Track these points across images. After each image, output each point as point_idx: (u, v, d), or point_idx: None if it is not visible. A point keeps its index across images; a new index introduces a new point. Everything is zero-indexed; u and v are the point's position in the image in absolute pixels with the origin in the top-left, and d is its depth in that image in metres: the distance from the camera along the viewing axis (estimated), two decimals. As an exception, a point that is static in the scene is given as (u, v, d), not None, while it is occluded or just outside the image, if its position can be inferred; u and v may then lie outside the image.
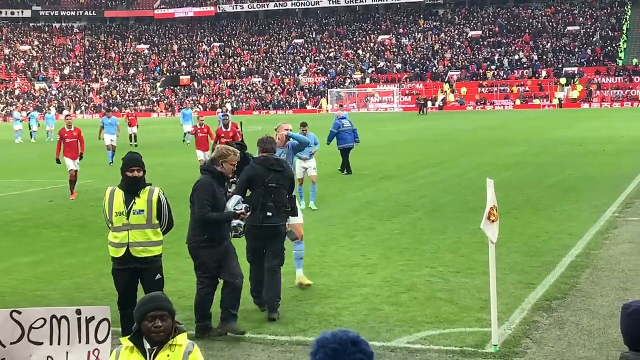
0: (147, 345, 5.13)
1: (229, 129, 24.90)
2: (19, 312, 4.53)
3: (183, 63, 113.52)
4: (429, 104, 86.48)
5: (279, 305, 10.46)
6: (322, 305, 11.12)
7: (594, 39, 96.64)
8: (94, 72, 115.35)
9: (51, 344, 4.57)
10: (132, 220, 9.04)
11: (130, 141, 42.46)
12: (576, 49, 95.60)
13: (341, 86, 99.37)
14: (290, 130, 12.70)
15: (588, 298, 10.97)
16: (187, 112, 46.80)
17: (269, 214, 10.48)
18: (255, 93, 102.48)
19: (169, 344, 5.10)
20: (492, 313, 8.92)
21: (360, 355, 2.89)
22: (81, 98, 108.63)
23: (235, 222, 9.82)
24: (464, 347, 9.16)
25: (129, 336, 5.23)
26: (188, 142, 41.61)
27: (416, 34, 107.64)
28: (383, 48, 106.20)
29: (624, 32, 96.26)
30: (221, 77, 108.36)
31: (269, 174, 10.54)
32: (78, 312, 4.55)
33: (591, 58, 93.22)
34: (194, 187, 9.72)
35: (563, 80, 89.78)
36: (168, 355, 5.07)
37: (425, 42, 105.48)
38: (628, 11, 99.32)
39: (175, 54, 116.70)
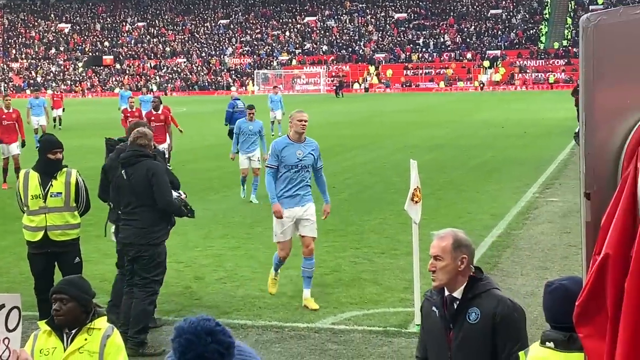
0: (65, 329, 5.04)
1: (159, 112, 22.49)
2: None
3: (106, 43, 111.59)
4: (356, 86, 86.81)
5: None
6: (247, 287, 11.09)
7: (516, 23, 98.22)
8: (14, 51, 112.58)
9: (-39, 331, 4.41)
10: (50, 203, 8.82)
11: (55, 123, 41.03)
12: (499, 32, 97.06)
13: (268, 68, 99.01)
14: (306, 121, 10.24)
15: (509, 277, 11.17)
16: (126, 94, 41.22)
17: None
18: (181, 74, 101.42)
19: (87, 327, 5.01)
20: (415, 293, 9.00)
21: (215, 345, 2.80)
22: (0, 78, 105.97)
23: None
24: (388, 327, 9.24)
25: (46, 320, 5.14)
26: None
27: (342, 15, 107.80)
28: (309, 30, 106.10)
29: (546, 16, 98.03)
30: (145, 58, 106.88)
31: None
32: (-13, 300, 4.40)
33: (514, 41, 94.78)
34: (149, 173, 8.63)
35: (486, 63, 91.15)
36: (86, 339, 4.98)
37: (352, 24, 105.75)
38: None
39: (98, 34, 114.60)
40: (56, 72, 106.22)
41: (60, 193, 8.84)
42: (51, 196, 8.81)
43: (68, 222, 8.93)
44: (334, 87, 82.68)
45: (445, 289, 4.74)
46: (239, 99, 26.55)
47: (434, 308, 4.79)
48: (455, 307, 4.70)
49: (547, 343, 4.18)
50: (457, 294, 4.70)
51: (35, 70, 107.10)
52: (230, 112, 25.62)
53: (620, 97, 3.07)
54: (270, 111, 35.25)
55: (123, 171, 8.74)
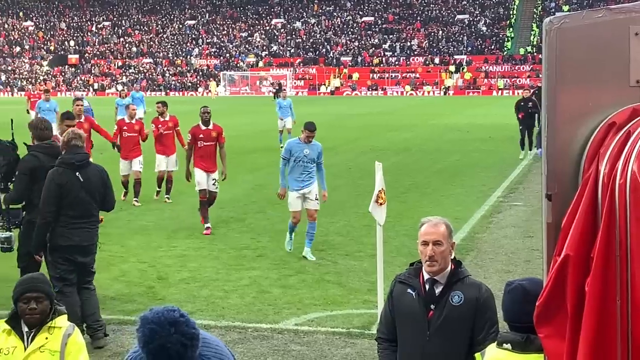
0: (25, 328, 4.99)
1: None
2: None
3: (72, 42, 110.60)
4: (323, 88, 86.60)
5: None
6: (210, 287, 11.06)
7: (482, 28, 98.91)
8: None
9: None
10: None
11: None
12: (465, 38, 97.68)
13: (234, 69, 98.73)
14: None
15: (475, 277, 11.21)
16: (138, 95, 36.46)
17: None
18: (146, 74, 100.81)
19: (47, 325, 4.96)
20: (378, 295, 9.02)
21: (178, 336, 2.77)
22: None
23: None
24: (351, 328, 9.26)
25: (5, 319, 5.08)
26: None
27: (310, 18, 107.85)
28: (277, 32, 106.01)
29: (511, 21, 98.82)
30: (111, 57, 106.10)
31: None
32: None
33: (480, 46, 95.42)
34: (103, 175, 9.08)
35: (452, 68, 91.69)
36: (46, 338, 4.93)
37: (319, 27, 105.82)
38: (516, 1, 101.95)
39: (64, 33, 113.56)
40: (24, 71, 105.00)
41: None
42: None
43: None
44: (273, 91, 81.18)
45: (426, 273, 5.04)
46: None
47: (409, 290, 5.07)
48: (439, 290, 5.01)
49: (504, 344, 4.21)
50: (440, 277, 5.03)
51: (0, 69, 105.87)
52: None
53: (583, 100, 3.11)
54: (278, 119, 31.48)
55: (77, 173, 8.77)
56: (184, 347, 2.76)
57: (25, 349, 4.95)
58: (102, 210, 9.25)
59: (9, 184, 9.69)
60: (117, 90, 41.63)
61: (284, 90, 37.11)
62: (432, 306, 5.00)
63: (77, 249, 8.87)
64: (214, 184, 15.21)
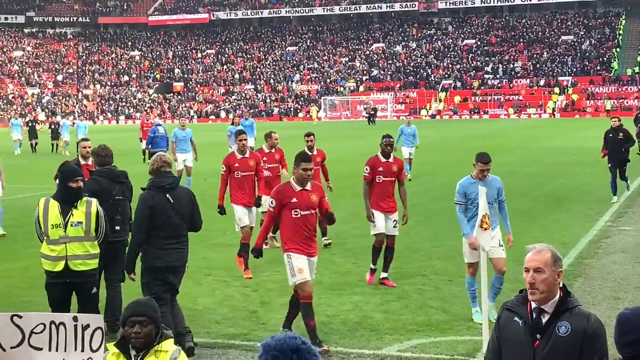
0: (133, 352, 5.08)
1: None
2: (20, 317, 4.47)
3: (177, 70, 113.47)
4: (424, 112, 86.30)
5: (117, 327, 9.09)
6: (313, 312, 11.04)
7: (588, 49, 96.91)
8: (87, 78, 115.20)
9: (50, 350, 4.51)
10: (70, 232, 8.73)
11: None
12: (570, 59, 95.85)
13: (335, 94, 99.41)
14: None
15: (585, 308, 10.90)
16: (247, 123, 32.98)
17: (117, 227, 10.04)
18: (249, 100, 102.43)
19: (154, 349, 5.04)
20: (483, 321, 8.86)
21: None
22: (74, 104, 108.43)
23: None
24: (455, 355, 9.11)
25: (115, 342, 5.19)
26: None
27: (410, 42, 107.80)
28: (377, 56, 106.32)
29: (618, 42, 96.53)
30: (215, 84, 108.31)
31: (115, 186, 10.21)
32: (75, 319, 4.50)
33: (585, 67, 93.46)
34: (191, 198, 9.52)
35: (557, 90, 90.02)
36: (153, 362, 5.02)
37: (419, 50, 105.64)
38: (622, 21, 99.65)
39: (170, 61, 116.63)
40: (127, 99, 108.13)
41: (81, 222, 8.76)
42: (72, 225, 8.74)
43: (88, 252, 8.85)
44: (368, 114, 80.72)
45: (533, 302, 4.94)
46: (161, 125, 27.59)
47: (516, 318, 5.00)
48: (545, 319, 4.91)
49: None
50: (548, 307, 4.93)
51: (109, 97, 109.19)
52: (151, 137, 26.43)
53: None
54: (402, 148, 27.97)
55: (167, 195, 9.18)
56: None
57: (132, 372, 5.04)
58: (190, 230, 9.55)
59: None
60: (230, 117, 40.69)
61: (409, 117, 32.81)
62: (538, 336, 4.91)
63: (171, 269, 9.18)
64: None
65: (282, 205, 9.53)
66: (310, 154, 14.13)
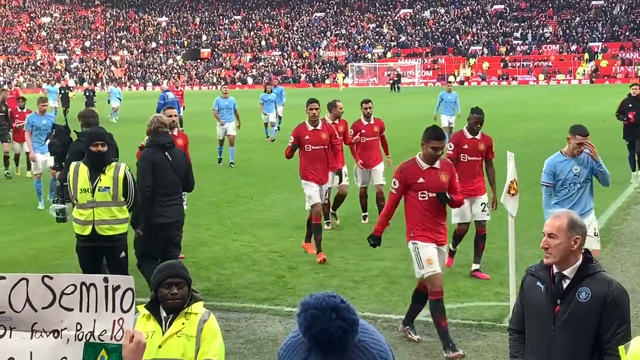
0: (164, 313, 5.14)
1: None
2: (51, 278, 4.54)
3: (204, 36, 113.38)
4: (452, 78, 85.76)
5: None
6: (340, 277, 11.12)
7: (619, 14, 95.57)
8: (115, 44, 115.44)
9: (80, 310, 4.57)
10: (97, 197, 8.78)
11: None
12: (600, 24, 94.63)
13: (362, 61, 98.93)
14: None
15: (609, 273, 10.86)
16: (277, 91, 33.36)
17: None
18: (276, 67, 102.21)
19: (184, 312, 5.10)
20: (510, 287, 8.85)
21: (340, 322, 2.79)
22: (102, 70, 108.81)
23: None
24: (482, 321, 9.14)
25: (145, 304, 5.25)
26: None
27: (438, 7, 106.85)
28: (405, 22, 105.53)
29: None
30: (242, 51, 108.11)
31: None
32: (105, 280, 4.55)
33: (616, 33, 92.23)
34: (185, 157, 10.24)
35: (587, 56, 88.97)
36: (183, 323, 5.07)
37: (448, 15, 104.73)
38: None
39: (197, 27, 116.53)
40: (155, 65, 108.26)
41: (108, 187, 8.79)
42: (99, 190, 8.78)
43: (116, 217, 8.90)
44: (390, 82, 79.67)
45: (555, 266, 4.97)
46: (169, 91, 28.50)
47: (538, 283, 5.02)
48: (566, 284, 4.93)
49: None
50: (568, 272, 4.95)
51: (136, 63, 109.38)
52: (161, 103, 25.89)
53: None
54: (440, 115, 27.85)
55: (166, 153, 9.69)
56: (345, 333, 2.81)
57: (163, 334, 5.10)
58: (184, 190, 10.12)
59: (63, 163, 10.88)
60: (263, 84, 40.19)
61: (450, 84, 31.79)
62: (559, 301, 4.94)
63: (173, 225, 9.76)
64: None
65: (406, 186, 8.34)
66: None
